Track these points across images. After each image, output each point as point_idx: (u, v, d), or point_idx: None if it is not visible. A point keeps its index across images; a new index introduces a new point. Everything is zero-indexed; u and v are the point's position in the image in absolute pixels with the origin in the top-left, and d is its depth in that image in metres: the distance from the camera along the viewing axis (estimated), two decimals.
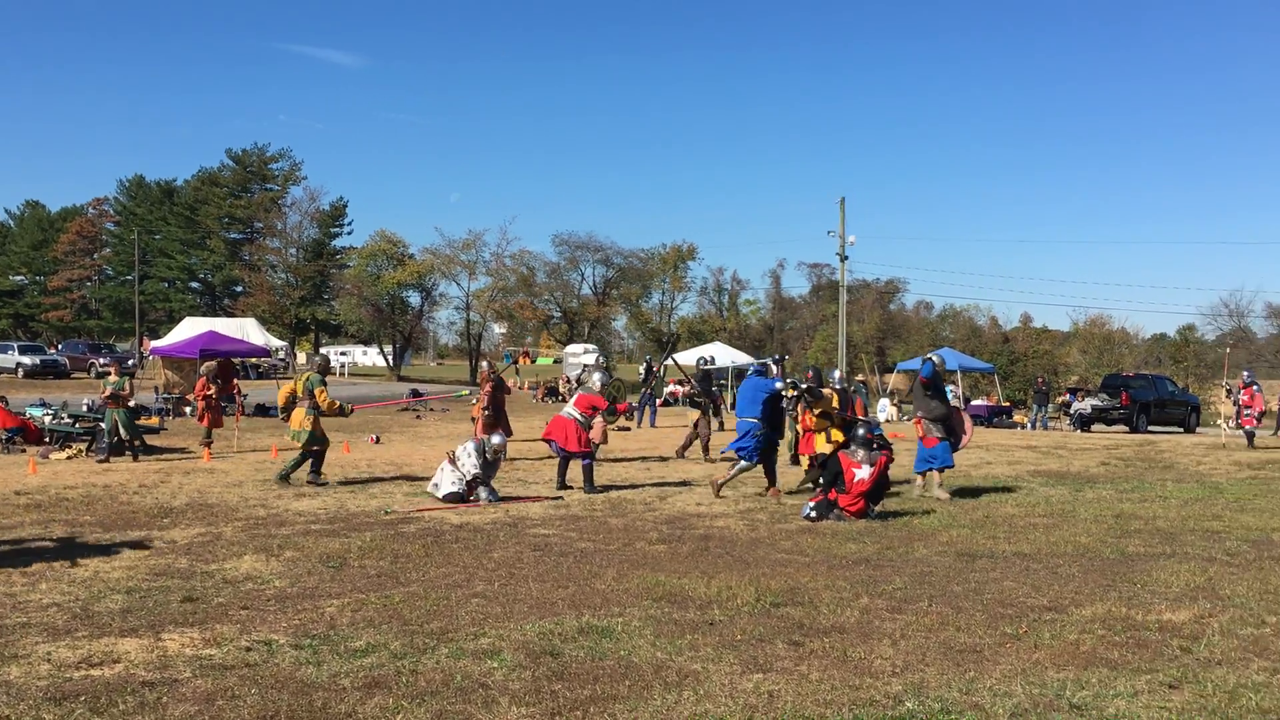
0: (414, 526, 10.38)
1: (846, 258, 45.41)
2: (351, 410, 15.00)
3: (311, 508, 11.62)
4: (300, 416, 13.66)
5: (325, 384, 13.92)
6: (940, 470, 13.11)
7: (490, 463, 12.45)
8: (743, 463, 13.02)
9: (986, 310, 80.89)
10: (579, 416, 13.50)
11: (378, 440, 21.02)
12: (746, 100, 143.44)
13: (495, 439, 12.73)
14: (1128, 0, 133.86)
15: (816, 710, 4.83)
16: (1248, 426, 24.05)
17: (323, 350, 15.58)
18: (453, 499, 12.03)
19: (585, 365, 15.24)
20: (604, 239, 75.63)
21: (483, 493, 12.13)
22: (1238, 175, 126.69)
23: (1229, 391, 25.03)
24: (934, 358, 13.59)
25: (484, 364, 14.74)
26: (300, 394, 13.82)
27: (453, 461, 12.30)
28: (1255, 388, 24.84)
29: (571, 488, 13.41)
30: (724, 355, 43.84)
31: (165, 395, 28.67)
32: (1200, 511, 12.22)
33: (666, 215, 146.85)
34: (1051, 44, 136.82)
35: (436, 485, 12.32)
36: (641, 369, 28.44)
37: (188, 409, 25.65)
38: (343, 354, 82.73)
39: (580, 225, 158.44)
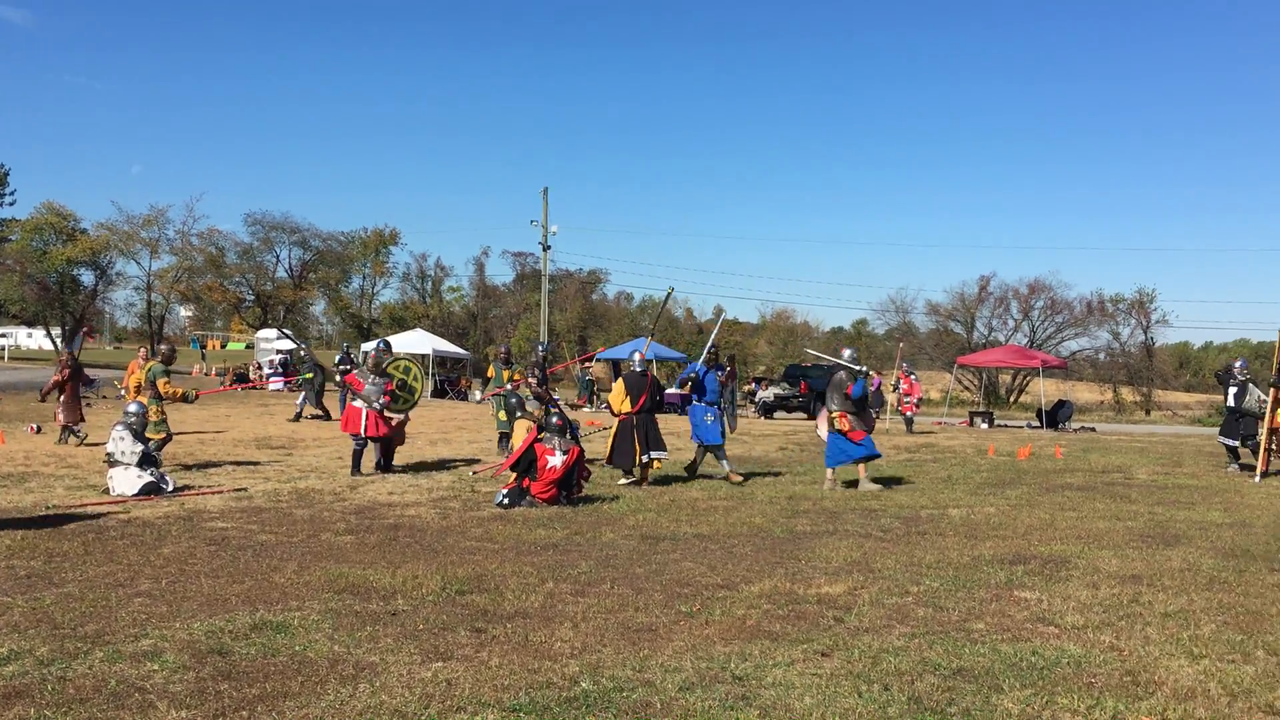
0: (75, 523, 9.59)
1: (549, 247, 46.01)
2: (196, 396, 15.22)
3: None
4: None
5: (168, 374, 14.10)
6: (867, 461, 13.58)
7: (140, 431, 11.87)
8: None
9: (683, 302, 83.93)
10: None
11: (38, 430, 19.26)
12: (450, 87, 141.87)
13: (132, 407, 12.41)
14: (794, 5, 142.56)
15: (493, 695, 4.87)
16: (907, 413, 26.32)
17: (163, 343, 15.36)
18: (149, 491, 11.26)
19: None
20: (301, 220, 72.73)
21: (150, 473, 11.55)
22: (901, 181, 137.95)
23: (895, 386, 27.27)
24: (872, 374, 14.06)
25: (64, 349, 14.55)
26: (144, 384, 13.96)
27: (114, 463, 11.46)
28: (913, 377, 27.25)
29: (397, 470, 14.14)
30: (426, 343, 43.31)
31: None
32: (861, 492, 13.27)
33: (368, 199, 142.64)
34: (733, 47, 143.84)
35: (115, 490, 11.38)
36: (337, 357, 27.46)
37: None
38: (2, 336, 75.16)
39: (275, 205, 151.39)
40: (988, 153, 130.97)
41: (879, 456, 13.80)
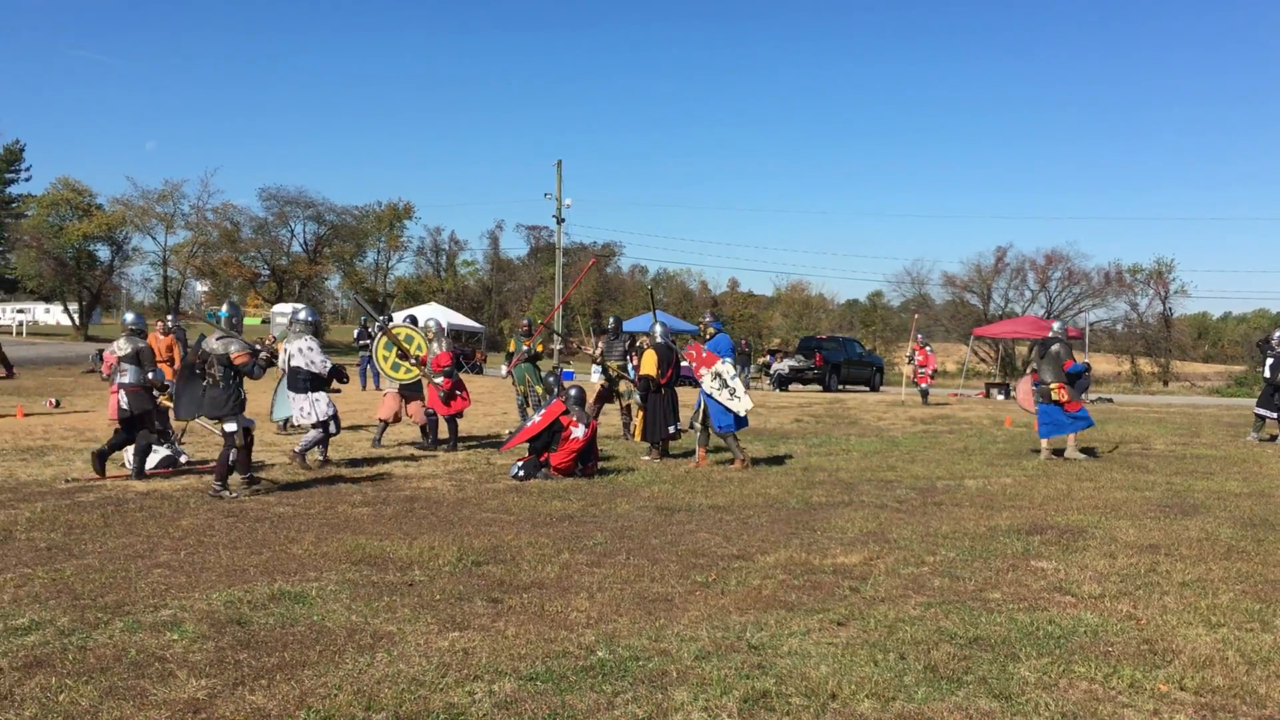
0: (94, 495, 9.66)
1: (563, 220, 45.87)
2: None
3: None
4: None
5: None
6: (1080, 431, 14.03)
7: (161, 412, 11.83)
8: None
9: (697, 275, 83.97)
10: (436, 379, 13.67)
11: (57, 404, 19.39)
12: (463, 60, 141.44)
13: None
14: None
15: (510, 664, 4.89)
16: (922, 385, 26.24)
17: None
18: (166, 464, 11.33)
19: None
20: (315, 195, 72.72)
21: (171, 438, 11.61)
22: (918, 153, 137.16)
23: (910, 358, 27.17)
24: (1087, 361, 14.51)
25: None
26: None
27: None
28: (928, 349, 27.16)
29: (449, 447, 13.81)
30: (441, 316, 43.35)
31: None
32: (877, 463, 13.26)
33: (382, 173, 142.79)
34: (755, 25, 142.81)
35: (130, 464, 11.41)
36: (355, 332, 27.57)
37: None
38: (20, 311, 75.53)
39: (289, 179, 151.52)
40: (1005, 123, 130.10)
41: (1092, 425, 14.27)
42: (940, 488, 11.12)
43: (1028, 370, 14.80)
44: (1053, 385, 13.73)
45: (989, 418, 21.81)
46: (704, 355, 12.65)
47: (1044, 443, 13.94)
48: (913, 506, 9.82)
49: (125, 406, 10.92)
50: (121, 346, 11.16)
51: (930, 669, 4.90)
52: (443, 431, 14.02)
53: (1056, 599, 6.31)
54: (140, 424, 11.01)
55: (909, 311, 53.91)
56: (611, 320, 17.41)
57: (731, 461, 12.66)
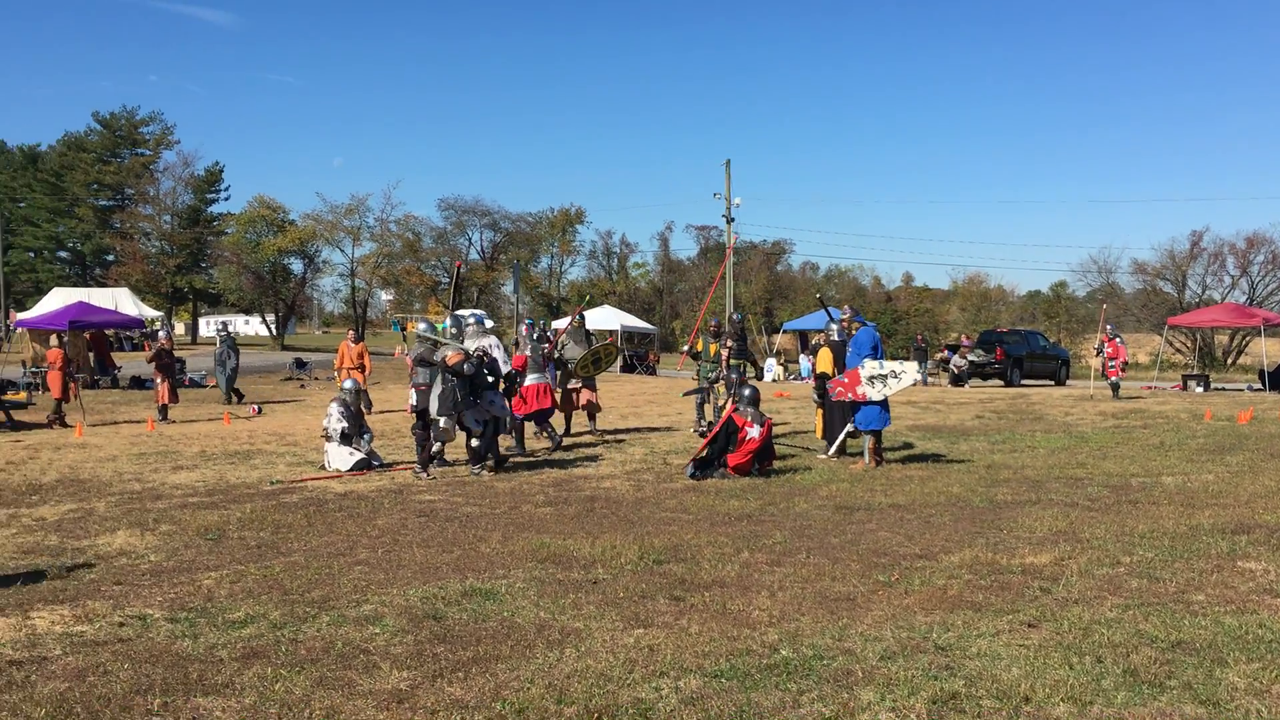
0: (296, 496, 10.24)
1: (733, 219, 45.82)
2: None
3: (189, 480, 11.36)
4: None
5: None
6: None
7: (355, 413, 12.51)
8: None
9: (870, 270, 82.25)
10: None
11: (259, 411, 20.57)
12: (632, 62, 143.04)
13: (348, 384, 13.08)
14: None
15: (695, 661, 4.95)
16: (1113, 378, 25.08)
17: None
18: (361, 466, 11.95)
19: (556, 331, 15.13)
20: (491, 203, 75.00)
21: (366, 440, 12.41)
22: (1104, 135, 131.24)
23: (1098, 350, 25.99)
24: None
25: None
26: None
27: (329, 438, 12.20)
28: (1118, 340, 25.90)
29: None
30: (614, 319, 43.98)
31: (34, 369, 27.44)
32: (1066, 460, 12.78)
33: (554, 179, 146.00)
34: (929, 13, 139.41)
35: (330, 466, 12.11)
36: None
37: None
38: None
39: (466, 189, 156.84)
40: (1200, 100, 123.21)
41: None
42: (1135, 485, 10.64)
43: None
44: None
45: (1187, 411, 20.68)
46: (848, 380, 12.17)
47: None
48: (1105, 505, 9.43)
49: (414, 402, 11.90)
50: (415, 351, 12.25)
51: (1130, 673, 4.71)
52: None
53: (1267, 601, 5.96)
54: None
55: (1096, 301, 51.62)
56: (735, 317, 16.89)
57: (858, 457, 12.43)
